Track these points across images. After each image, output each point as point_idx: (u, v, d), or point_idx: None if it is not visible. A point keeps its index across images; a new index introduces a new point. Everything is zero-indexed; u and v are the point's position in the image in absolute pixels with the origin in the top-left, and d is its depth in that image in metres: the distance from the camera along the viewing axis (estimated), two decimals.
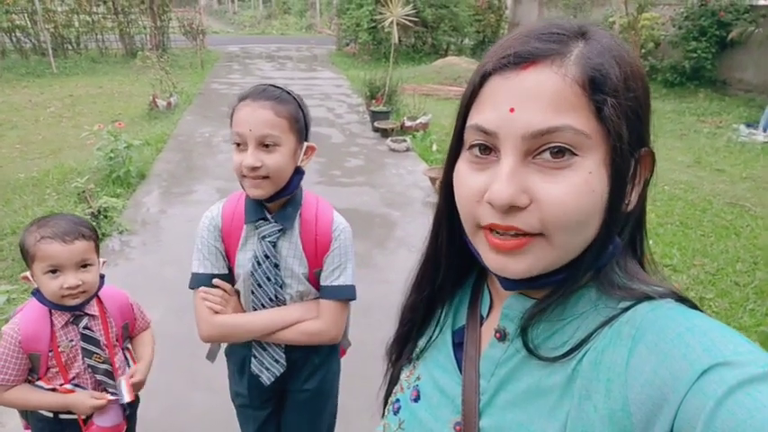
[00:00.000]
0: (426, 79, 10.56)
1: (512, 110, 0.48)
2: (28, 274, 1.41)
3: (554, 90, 0.47)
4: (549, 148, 0.47)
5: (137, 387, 1.55)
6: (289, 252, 1.33)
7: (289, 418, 1.56)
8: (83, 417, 1.47)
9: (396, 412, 0.67)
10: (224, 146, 6.58)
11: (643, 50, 9.66)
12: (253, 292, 1.34)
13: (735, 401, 0.38)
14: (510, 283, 0.54)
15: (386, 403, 0.72)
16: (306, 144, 1.31)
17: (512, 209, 0.48)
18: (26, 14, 12.19)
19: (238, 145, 1.22)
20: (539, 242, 0.49)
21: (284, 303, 1.36)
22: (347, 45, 15.68)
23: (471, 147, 0.52)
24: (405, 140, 6.54)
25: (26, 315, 1.42)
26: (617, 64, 0.48)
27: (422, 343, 0.69)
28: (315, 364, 1.48)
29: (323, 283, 1.35)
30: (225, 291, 1.35)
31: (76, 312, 1.43)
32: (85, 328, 1.45)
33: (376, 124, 7.17)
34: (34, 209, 4.46)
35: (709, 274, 3.61)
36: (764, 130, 7.04)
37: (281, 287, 1.34)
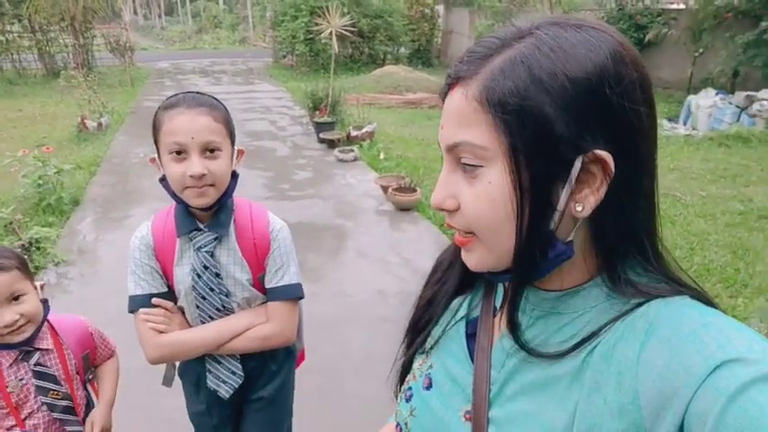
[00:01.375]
0: (367, 89, 10.61)
1: (442, 126, 0.55)
2: None
3: (458, 109, 0.52)
4: (462, 161, 0.53)
5: (102, 430, 1.44)
6: (228, 260, 1.30)
7: (251, 428, 1.52)
8: None
9: (408, 400, 0.68)
10: None
11: None
12: (198, 306, 1.31)
13: (747, 398, 0.38)
14: (488, 274, 0.59)
15: (399, 387, 0.74)
16: (237, 148, 1.30)
17: (445, 211, 0.56)
18: None
19: (179, 153, 1.17)
20: (476, 241, 0.55)
21: (232, 313, 1.34)
22: (284, 57, 15.53)
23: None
24: (352, 150, 6.52)
25: None
26: (527, 71, 0.47)
27: (436, 332, 0.70)
28: (272, 371, 1.46)
29: (268, 285, 1.33)
30: (166, 309, 1.31)
31: (25, 348, 1.30)
32: (37, 364, 1.32)
33: (321, 135, 7.11)
34: None
35: None
36: (684, 124, 7.58)
37: (226, 296, 1.31)
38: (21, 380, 1.30)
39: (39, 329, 1.33)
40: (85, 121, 7.49)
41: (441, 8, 15.58)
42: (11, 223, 3.96)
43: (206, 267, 1.28)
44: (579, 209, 0.50)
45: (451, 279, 0.70)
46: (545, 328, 0.55)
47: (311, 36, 12.22)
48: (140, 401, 2.55)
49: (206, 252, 1.27)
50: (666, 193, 5.09)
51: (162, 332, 1.28)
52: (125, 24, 15.17)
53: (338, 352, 2.91)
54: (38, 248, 3.87)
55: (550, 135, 0.47)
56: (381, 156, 6.34)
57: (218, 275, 1.29)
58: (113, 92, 10.48)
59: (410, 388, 0.69)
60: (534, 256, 0.51)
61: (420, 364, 0.70)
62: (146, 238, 1.30)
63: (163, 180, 1.25)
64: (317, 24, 8.27)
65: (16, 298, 1.27)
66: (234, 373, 1.38)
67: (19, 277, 1.28)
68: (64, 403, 1.36)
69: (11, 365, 1.29)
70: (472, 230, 0.54)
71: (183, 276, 1.29)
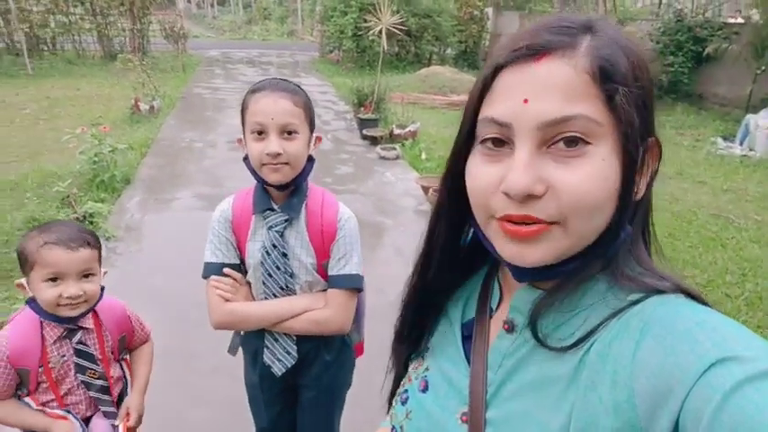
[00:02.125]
0: (411, 88, 10.60)
1: (525, 101, 0.49)
2: (23, 281, 1.33)
3: (566, 80, 0.48)
4: (562, 138, 0.48)
5: (137, 421, 1.49)
6: (296, 242, 1.36)
7: (303, 415, 1.58)
8: None
9: (403, 402, 0.68)
10: (208, 151, 6.47)
11: None
12: (264, 282, 1.38)
13: (743, 396, 0.38)
14: (522, 273, 0.55)
15: (391, 399, 0.73)
16: (314, 134, 1.38)
17: (528, 198, 0.49)
18: None
19: (260, 133, 1.26)
20: (554, 230, 0.50)
21: (294, 294, 1.39)
22: (330, 52, 15.67)
23: (484, 140, 0.53)
24: (394, 148, 6.53)
25: (16, 328, 1.34)
26: (624, 54, 0.49)
27: (431, 335, 0.70)
28: (326, 361, 1.49)
29: (330, 272, 1.38)
30: (235, 279, 1.38)
31: (70, 326, 1.36)
32: (79, 342, 1.37)
33: (365, 132, 7.15)
34: (13, 213, 4.28)
35: (700, 285, 3.66)
36: (741, 144, 7.26)
37: (290, 277, 1.37)
38: (62, 356, 1.35)
39: (88, 311, 1.38)
40: (139, 103, 7.74)
41: (490, 11, 15.41)
42: (68, 197, 4.14)
43: (274, 246, 1.34)
44: (639, 190, 0.53)
45: (439, 280, 0.68)
46: (543, 327, 0.55)
47: (359, 33, 12.29)
48: (179, 378, 2.63)
49: (276, 232, 1.34)
50: (718, 215, 4.90)
51: (228, 300, 1.36)
52: (179, 12, 15.62)
53: (370, 348, 2.93)
54: (90, 222, 4.03)
55: (643, 117, 0.50)
56: (423, 156, 6.32)
57: (284, 255, 1.35)
58: (166, 77, 10.79)
59: (406, 391, 0.69)
60: (617, 237, 0.52)
61: (416, 366, 0.70)
62: (226, 212, 1.39)
63: (245, 159, 1.33)
64: (365, 21, 8.31)
65: (86, 275, 1.33)
66: (288, 353, 1.43)
67: (95, 257, 1.35)
68: (99, 383, 1.42)
69: (54, 342, 1.34)
70: (559, 218, 0.49)
71: (253, 252, 1.36)
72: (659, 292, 0.51)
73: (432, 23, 13.68)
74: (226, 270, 1.37)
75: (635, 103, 0.49)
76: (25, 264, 1.30)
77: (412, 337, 0.71)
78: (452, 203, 0.60)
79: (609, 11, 12.09)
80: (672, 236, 4.46)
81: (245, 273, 1.41)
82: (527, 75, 0.49)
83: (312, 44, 19.22)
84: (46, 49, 12.76)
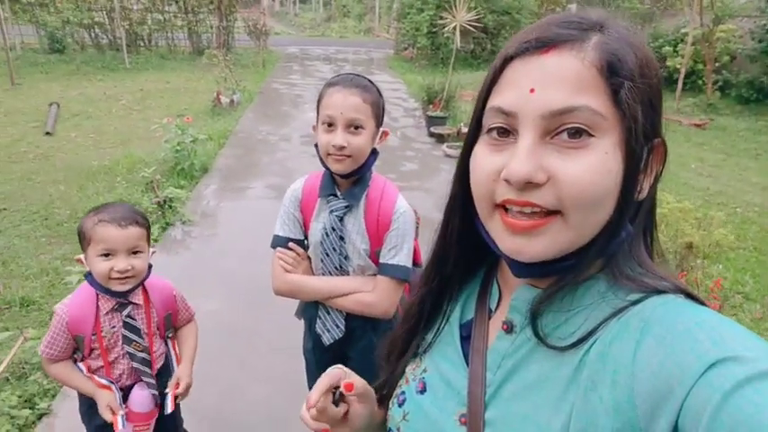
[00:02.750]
0: None
1: (532, 90, 0.49)
2: (82, 256, 1.48)
3: (573, 72, 0.48)
4: (566, 129, 0.49)
5: (186, 390, 1.62)
6: (353, 228, 1.45)
7: (355, 364, 1.65)
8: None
9: (400, 404, 0.68)
10: (282, 144, 6.73)
11: (717, 64, 9.17)
12: (321, 260, 1.50)
13: (742, 396, 0.37)
14: (522, 269, 0.55)
15: (387, 399, 0.73)
16: (381, 129, 1.46)
17: (528, 186, 0.49)
18: (105, 12, 12.95)
19: (329, 125, 1.37)
20: (555, 222, 0.50)
21: (347, 274, 1.50)
22: (405, 49, 15.72)
23: (490, 130, 0.54)
24: (461, 147, 6.47)
25: (75, 298, 1.49)
26: (633, 51, 0.50)
27: (429, 337, 0.70)
28: (372, 341, 1.56)
29: (381, 260, 1.46)
30: (297, 254, 1.52)
31: (121, 300, 1.49)
32: (128, 316, 1.50)
33: (432, 129, 7.15)
34: (105, 195, 4.70)
35: None
36: None
37: (345, 258, 1.48)
38: (113, 327, 1.49)
39: (137, 286, 1.51)
40: (220, 96, 8.20)
41: (573, 7, 14.80)
42: (151, 182, 4.48)
43: (333, 229, 1.45)
44: (642, 189, 0.53)
45: (440, 280, 0.68)
46: (543, 326, 0.55)
47: (434, 30, 12.25)
48: (239, 354, 2.79)
49: (336, 216, 1.45)
50: None
51: (288, 271, 1.50)
52: (263, 9, 16.29)
53: None
54: (170, 207, 4.35)
55: (649, 115, 0.50)
56: None
57: (341, 239, 1.46)
58: (246, 72, 11.34)
59: (403, 392, 0.68)
60: (617, 234, 0.52)
61: (413, 367, 0.69)
62: (296, 192, 1.53)
63: (316, 146, 1.44)
64: (441, 18, 8.27)
65: (135, 252, 1.46)
66: (337, 326, 1.55)
67: (143, 236, 1.48)
68: (142, 355, 1.54)
69: (107, 313, 1.48)
70: (560, 208, 0.49)
71: (315, 231, 1.48)
72: (659, 292, 0.50)
73: (510, 21, 13.35)
74: (290, 244, 1.50)
75: (641, 99, 0.49)
76: (83, 240, 1.44)
77: (414, 335, 0.72)
78: (465, 196, 0.60)
79: (705, 8, 11.23)
80: (758, 250, 4.13)
81: (307, 248, 1.54)
82: (535, 65, 0.50)
83: (388, 41, 19.39)
84: (142, 44, 13.79)
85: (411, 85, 10.78)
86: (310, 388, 1.79)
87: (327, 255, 1.48)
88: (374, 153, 1.45)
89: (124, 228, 1.42)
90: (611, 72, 0.48)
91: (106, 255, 1.42)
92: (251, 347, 2.86)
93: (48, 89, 9.12)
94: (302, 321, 1.70)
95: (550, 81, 0.49)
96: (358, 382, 0.68)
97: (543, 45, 0.50)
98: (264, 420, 2.36)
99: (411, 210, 1.48)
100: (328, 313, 1.55)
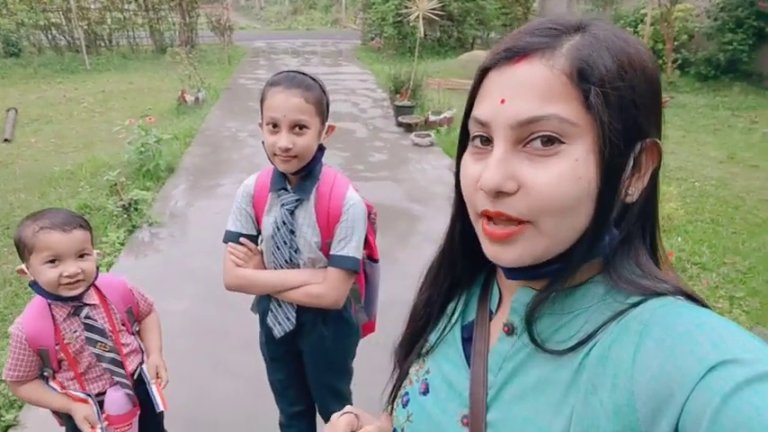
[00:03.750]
0: (451, 73, 10.47)
1: (502, 101, 0.51)
2: (23, 266, 1.44)
3: (542, 81, 0.49)
4: (538, 137, 0.49)
5: (166, 374, 1.63)
6: (304, 221, 1.48)
7: (309, 378, 1.73)
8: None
9: (404, 405, 0.68)
10: (250, 140, 6.67)
11: (676, 43, 9.39)
12: (273, 254, 1.52)
13: (742, 398, 0.38)
14: (510, 273, 0.57)
15: (393, 399, 0.74)
16: (327, 124, 1.47)
17: (500, 195, 0.50)
18: (61, 12, 12.55)
19: (274, 126, 1.38)
20: (528, 230, 0.51)
21: (298, 267, 1.53)
22: (372, 40, 15.66)
23: (473, 138, 0.55)
24: (429, 135, 6.52)
25: (28, 313, 1.47)
26: (609, 54, 0.49)
27: (432, 338, 0.70)
28: (323, 333, 1.60)
29: (330, 252, 1.49)
30: (249, 249, 1.54)
31: (75, 303, 1.47)
32: (87, 317, 1.49)
33: (400, 119, 7.17)
34: (68, 201, 4.61)
35: (740, 272, 3.51)
36: None
37: (295, 252, 1.50)
38: (74, 332, 1.48)
39: (87, 288, 1.50)
40: (185, 95, 8.07)
41: None
42: (115, 185, 4.41)
43: (284, 223, 1.47)
44: (631, 193, 0.52)
45: (445, 282, 0.69)
46: (541, 330, 0.55)
47: (400, 19, 12.23)
48: (210, 353, 2.79)
49: (287, 210, 1.47)
50: None
51: (239, 266, 1.52)
52: (226, 4, 16.01)
53: (394, 333, 3.00)
54: (136, 209, 4.29)
55: (628, 118, 0.49)
56: None
57: (292, 232, 1.48)
58: (212, 69, 11.17)
59: (406, 393, 0.69)
60: (599, 239, 0.52)
61: (417, 369, 0.70)
62: (249, 187, 1.55)
63: (263, 143, 1.45)
64: (406, 7, 8.27)
65: (82, 256, 1.45)
66: (288, 318, 1.57)
67: (88, 238, 1.47)
68: (110, 355, 1.53)
69: (65, 319, 1.47)
70: (530, 217, 0.50)
71: (267, 225, 1.51)
72: (659, 294, 0.50)
73: (475, 7, 13.41)
74: (242, 240, 1.53)
75: (617, 103, 0.49)
76: (23, 250, 1.41)
77: (420, 336, 0.72)
78: (463, 202, 0.61)
79: None
80: (715, 222, 4.27)
81: (260, 243, 1.56)
82: (506, 76, 0.51)
83: (355, 32, 19.27)
84: (103, 45, 13.43)
85: (379, 75, 10.76)
86: (270, 382, 1.82)
87: (278, 248, 1.50)
88: (321, 149, 1.47)
89: (69, 232, 1.40)
90: (581, 78, 0.48)
91: (52, 261, 1.40)
92: (221, 346, 2.87)
93: (4, 94, 8.85)
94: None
95: (520, 91, 0.50)
96: (373, 429, 0.68)
97: (514, 55, 0.51)
98: (235, 418, 2.38)
99: (362, 202, 1.50)
100: (279, 306, 1.58)
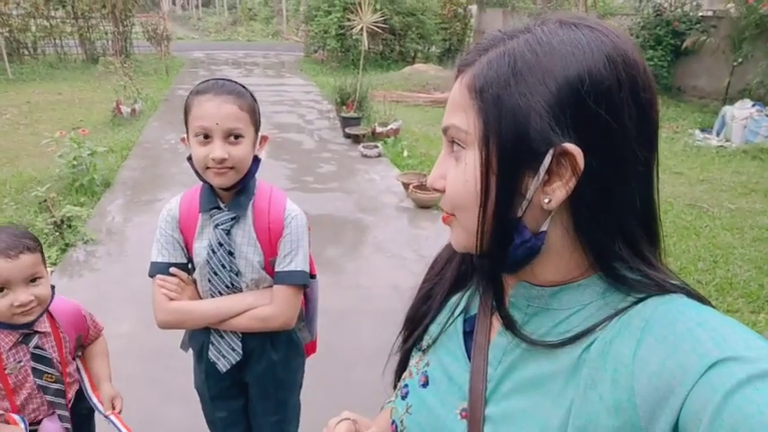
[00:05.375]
0: (395, 86, 10.63)
1: (447, 113, 0.58)
2: None
3: (454, 95, 0.56)
4: (454, 142, 0.56)
5: (121, 402, 1.51)
6: (243, 240, 1.36)
7: (254, 412, 1.59)
8: None
9: (404, 397, 0.68)
10: None
11: None
12: (209, 281, 1.38)
13: (743, 396, 0.38)
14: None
15: (396, 382, 0.73)
16: (260, 135, 1.36)
17: (438, 191, 0.59)
18: None
19: (205, 137, 1.25)
20: (454, 220, 0.58)
21: (240, 291, 1.39)
22: (315, 52, 15.65)
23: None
24: (376, 146, 6.56)
25: None
26: (511, 64, 0.50)
27: (434, 331, 0.70)
28: (272, 359, 1.49)
29: (276, 269, 1.38)
30: (181, 279, 1.39)
31: (25, 331, 1.34)
32: (36, 347, 1.36)
33: (347, 130, 7.17)
34: None
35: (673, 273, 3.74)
36: (718, 135, 7.38)
37: (236, 275, 1.37)
38: (19, 362, 1.33)
39: (41, 314, 1.36)
40: (120, 106, 7.71)
41: (474, 8, 15.48)
42: (45, 201, 4.13)
43: (221, 244, 1.34)
44: (547, 201, 0.51)
45: (449, 274, 0.71)
46: (540, 325, 0.56)
47: (343, 32, 12.30)
48: (157, 378, 2.65)
49: (222, 230, 1.34)
50: (693, 204, 4.99)
51: (173, 299, 1.37)
52: (163, 14, 15.52)
53: (349, 342, 2.96)
54: (69, 226, 4.03)
55: (521, 125, 0.49)
56: (405, 153, 6.36)
57: (231, 254, 1.35)
58: (148, 79, 10.74)
59: (406, 385, 0.69)
60: (499, 240, 0.54)
61: (417, 361, 0.71)
62: (173, 211, 1.39)
63: (190, 159, 1.32)
64: (349, 20, 8.33)
65: (33, 280, 1.30)
66: (233, 349, 1.45)
67: (38, 260, 1.32)
68: (55, 386, 1.39)
69: (10, 348, 1.32)
70: (452, 210, 0.58)
71: (200, 250, 1.37)
72: (661, 291, 0.51)
73: (416, 21, 13.72)
74: (172, 270, 1.38)
75: (511, 111, 0.50)
76: None
77: (419, 323, 0.72)
78: None
79: (590, 7, 12.20)
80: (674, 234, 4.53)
81: (192, 272, 1.41)
82: (452, 89, 0.58)
83: (297, 44, 19.18)
84: (27, 53, 12.63)
85: (324, 87, 10.74)
86: (209, 422, 1.65)
87: (216, 273, 1.36)
88: (256, 161, 1.35)
89: (15, 258, 1.26)
90: (477, 90, 0.53)
91: (1, 290, 1.26)
92: (167, 369, 2.72)
93: None
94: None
95: (447, 104, 0.57)
96: None
97: (457, 72, 0.57)
98: None
99: (302, 213, 1.41)
100: (222, 337, 1.45)
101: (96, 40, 13.46)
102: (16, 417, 1.36)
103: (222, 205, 1.35)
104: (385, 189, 5.43)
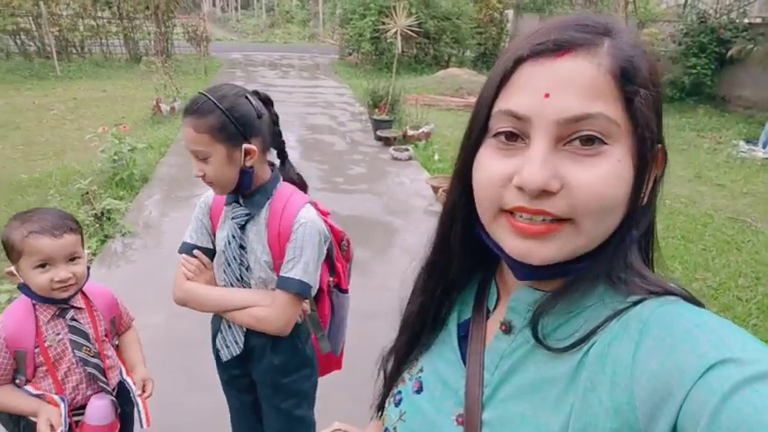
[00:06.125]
0: (428, 90, 10.62)
1: (547, 95, 0.48)
2: (12, 269, 1.39)
3: (588, 78, 0.47)
4: (579, 136, 0.48)
5: (152, 385, 1.57)
6: (255, 237, 1.40)
7: (263, 408, 1.63)
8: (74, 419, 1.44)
9: (397, 404, 0.67)
10: None
11: None
12: (224, 270, 1.44)
13: (741, 397, 0.38)
14: (527, 272, 0.54)
15: (380, 408, 0.72)
16: (244, 147, 1.30)
17: (542, 194, 0.48)
18: (31, 18, 12.26)
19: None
20: (567, 228, 0.49)
21: (249, 287, 1.44)
22: (350, 55, 15.80)
23: (497, 134, 0.52)
24: (407, 149, 6.57)
25: (10, 312, 1.40)
26: (645, 58, 0.50)
27: (426, 336, 0.69)
28: (273, 363, 1.50)
29: (280, 273, 1.39)
30: (202, 262, 1.46)
31: (62, 305, 1.42)
32: (72, 319, 1.43)
33: (378, 133, 7.20)
34: None
35: (712, 288, 3.61)
36: (764, 147, 7.10)
37: (246, 269, 1.42)
38: (57, 334, 1.41)
39: (76, 292, 1.44)
40: (160, 104, 7.94)
41: (510, 13, 15.34)
42: (87, 194, 4.28)
43: (234, 237, 1.41)
44: (644, 196, 0.53)
45: (440, 280, 0.67)
46: (542, 328, 0.54)
47: (377, 35, 12.37)
48: (184, 367, 2.71)
49: (236, 224, 1.40)
50: (735, 218, 4.81)
51: (189, 279, 1.44)
52: (203, 15, 15.92)
53: (374, 345, 2.98)
54: (108, 219, 4.17)
55: (657, 119, 0.51)
56: (436, 157, 6.34)
57: (242, 248, 1.41)
58: (187, 79, 11.01)
59: (399, 392, 0.68)
60: (625, 239, 0.53)
61: (409, 368, 0.69)
62: (208, 199, 1.50)
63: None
64: (384, 24, 8.38)
65: (73, 259, 1.39)
66: (236, 342, 1.50)
67: (79, 241, 1.41)
68: (95, 361, 1.45)
69: (49, 321, 1.40)
70: (572, 216, 0.49)
71: (220, 239, 1.45)
72: (659, 294, 0.50)
73: (451, 26, 13.69)
74: (195, 252, 1.46)
75: (654, 107, 0.50)
76: (12, 252, 1.36)
77: (412, 347, 0.70)
78: (467, 200, 0.58)
79: (631, 12, 11.92)
80: (685, 238, 4.40)
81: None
82: (549, 69, 0.48)
83: (332, 47, 19.39)
84: (74, 52, 13.16)
85: (357, 89, 10.81)
86: (230, 413, 1.69)
87: (229, 264, 1.42)
88: (246, 171, 1.33)
89: (59, 237, 1.35)
90: (626, 79, 0.48)
91: (43, 265, 1.35)
92: (194, 359, 2.78)
93: None
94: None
95: (566, 86, 0.48)
96: None
97: (559, 48, 0.49)
98: (211, 431, 2.30)
99: (317, 222, 1.38)
100: (229, 328, 1.50)
101: (139, 40, 13.94)
102: (57, 398, 1.41)
103: (241, 201, 1.41)
104: (414, 192, 5.43)
